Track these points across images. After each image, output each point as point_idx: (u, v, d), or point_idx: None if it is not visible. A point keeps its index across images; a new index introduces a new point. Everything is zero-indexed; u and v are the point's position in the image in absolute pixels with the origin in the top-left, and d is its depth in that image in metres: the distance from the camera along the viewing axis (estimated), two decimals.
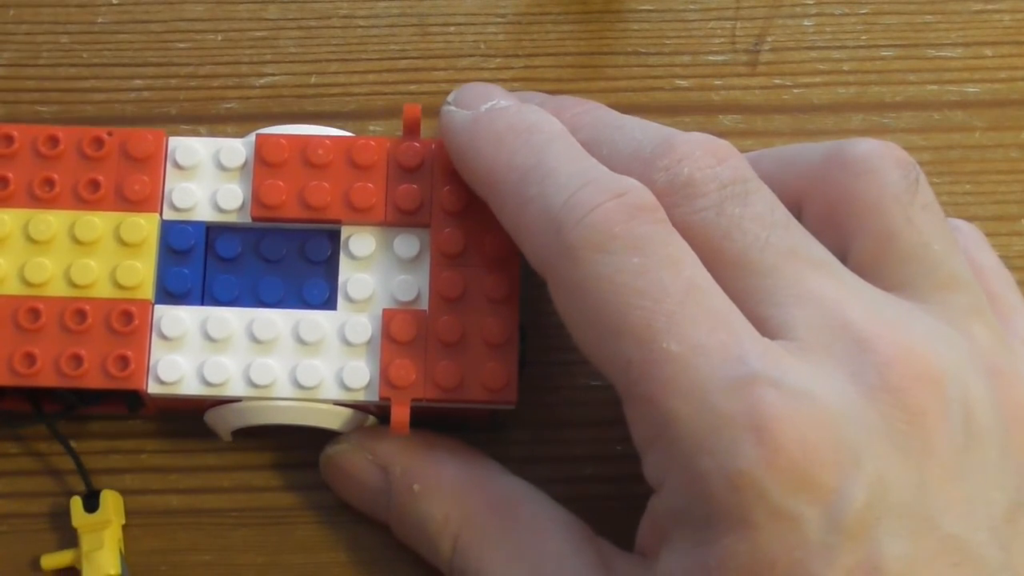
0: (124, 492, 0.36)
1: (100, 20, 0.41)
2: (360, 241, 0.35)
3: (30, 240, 0.35)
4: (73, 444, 0.36)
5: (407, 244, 0.35)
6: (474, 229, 0.35)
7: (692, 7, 0.42)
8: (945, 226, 0.32)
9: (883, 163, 0.32)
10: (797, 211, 0.33)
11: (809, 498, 0.27)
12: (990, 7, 0.42)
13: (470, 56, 0.41)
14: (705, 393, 0.28)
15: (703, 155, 0.31)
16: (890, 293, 0.31)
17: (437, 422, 0.35)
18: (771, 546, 0.27)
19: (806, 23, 0.42)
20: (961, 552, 0.28)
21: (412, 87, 0.41)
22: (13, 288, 0.34)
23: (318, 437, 0.36)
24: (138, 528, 0.36)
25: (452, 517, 0.34)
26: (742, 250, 0.30)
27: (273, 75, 0.41)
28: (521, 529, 0.34)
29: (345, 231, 0.35)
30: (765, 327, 0.29)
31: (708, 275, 0.30)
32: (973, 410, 0.29)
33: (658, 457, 0.29)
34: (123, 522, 0.36)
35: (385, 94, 0.41)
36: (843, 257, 0.32)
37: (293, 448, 0.37)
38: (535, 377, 0.37)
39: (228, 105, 0.40)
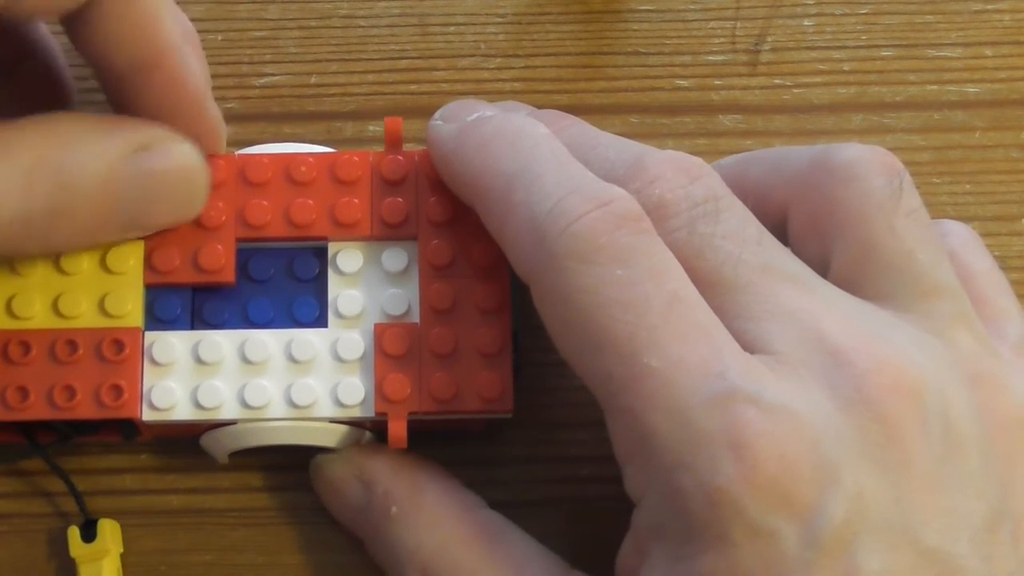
0: (123, 492, 0.37)
1: None
2: (348, 257, 0.35)
3: (16, 273, 0.34)
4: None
5: (395, 258, 0.35)
6: (462, 240, 0.34)
7: (692, 7, 0.42)
8: (930, 232, 0.32)
9: (867, 170, 0.32)
10: (784, 217, 0.33)
11: (787, 515, 0.27)
12: (990, 7, 0.42)
13: (470, 56, 0.41)
14: (685, 409, 0.28)
15: (674, 175, 0.31)
16: (872, 303, 0.31)
17: (434, 433, 0.35)
18: (749, 563, 0.27)
19: (806, 23, 0.41)
20: (941, 564, 0.28)
21: (412, 87, 0.41)
22: (1, 322, 0.34)
23: None
24: (138, 528, 0.36)
25: (424, 546, 0.34)
26: (715, 268, 0.30)
27: (273, 75, 0.41)
28: (496, 563, 0.33)
29: (332, 247, 0.35)
30: (743, 342, 0.29)
31: (692, 287, 0.30)
32: (952, 419, 0.29)
33: (638, 471, 0.29)
34: (121, 550, 0.36)
35: (385, 94, 0.41)
36: (826, 265, 0.32)
37: (293, 449, 0.36)
38: (532, 378, 0.37)
39: (228, 105, 0.40)
